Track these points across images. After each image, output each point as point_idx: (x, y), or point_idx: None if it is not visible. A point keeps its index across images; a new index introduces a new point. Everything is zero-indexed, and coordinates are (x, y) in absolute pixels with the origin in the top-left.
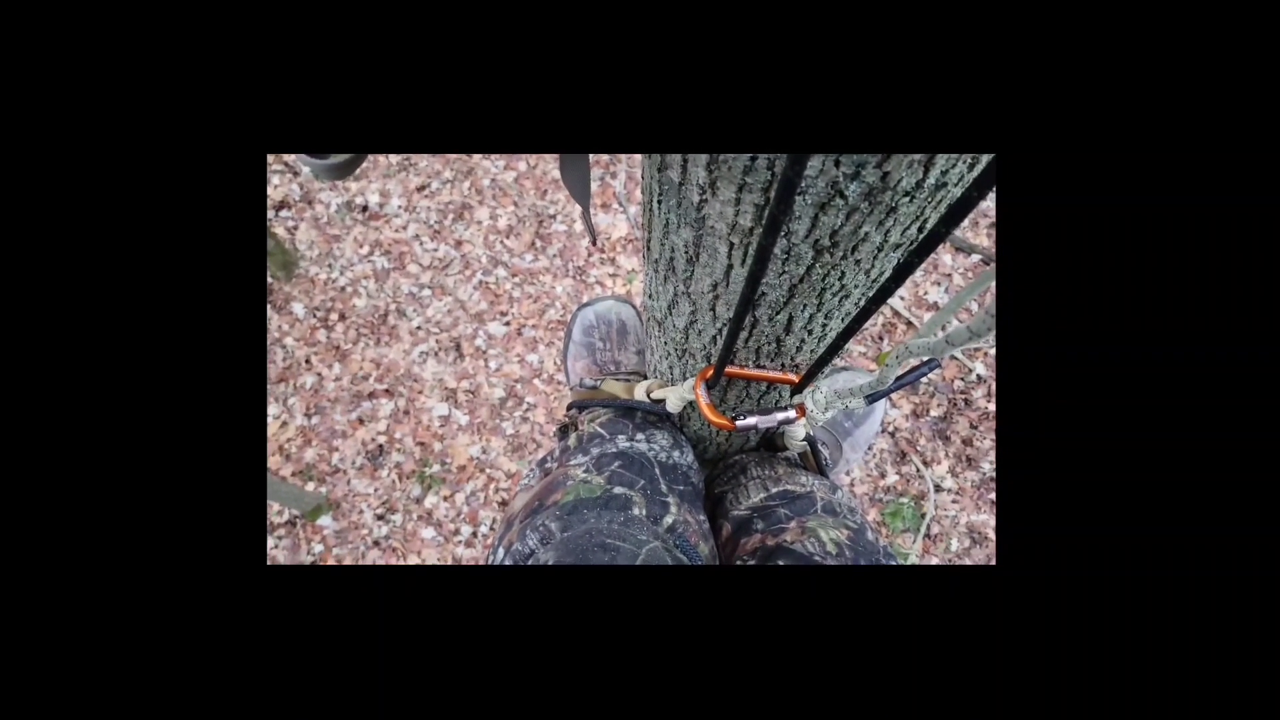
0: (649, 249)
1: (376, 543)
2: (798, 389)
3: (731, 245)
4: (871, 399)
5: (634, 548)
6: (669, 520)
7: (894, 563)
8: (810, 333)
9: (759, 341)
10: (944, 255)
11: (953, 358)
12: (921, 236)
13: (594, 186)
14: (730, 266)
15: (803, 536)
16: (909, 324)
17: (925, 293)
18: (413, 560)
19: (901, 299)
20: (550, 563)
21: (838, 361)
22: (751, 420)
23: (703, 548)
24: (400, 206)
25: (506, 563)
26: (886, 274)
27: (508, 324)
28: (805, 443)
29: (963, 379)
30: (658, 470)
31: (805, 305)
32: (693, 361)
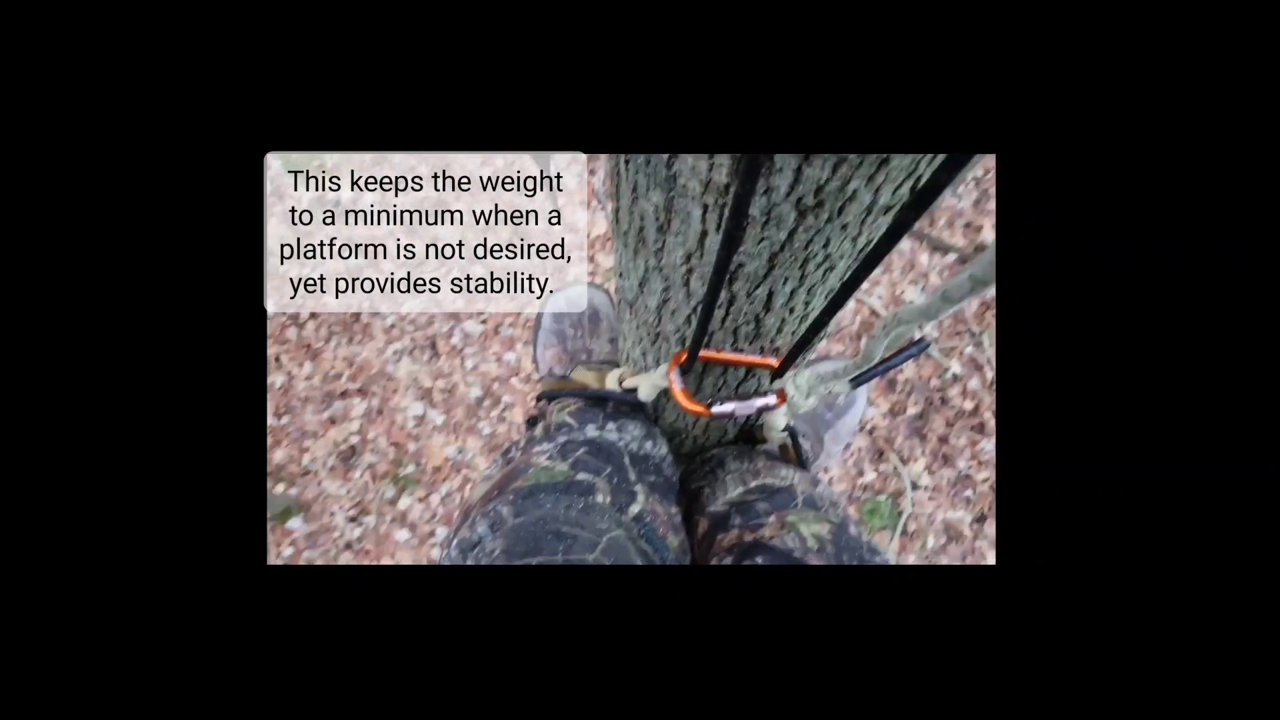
0: (617, 220)
1: (349, 545)
2: (778, 374)
3: (705, 208)
4: (857, 381)
5: (593, 536)
6: (635, 509)
7: (879, 559)
8: (791, 311)
9: (736, 320)
10: (921, 255)
11: (929, 356)
12: (911, 195)
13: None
14: (704, 233)
15: (782, 531)
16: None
17: (902, 292)
18: (385, 563)
19: (879, 298)
20: (497, 551)
21: (818, 351)
22: (729, 406)
23: (672, 540)
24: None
25: (454, 554)
26: (874, 241)
27: (484, 322)
28: (786, 433)
29: (939, 378)
30: (627, 459)
31: (787, 278)
32: (666, 346)
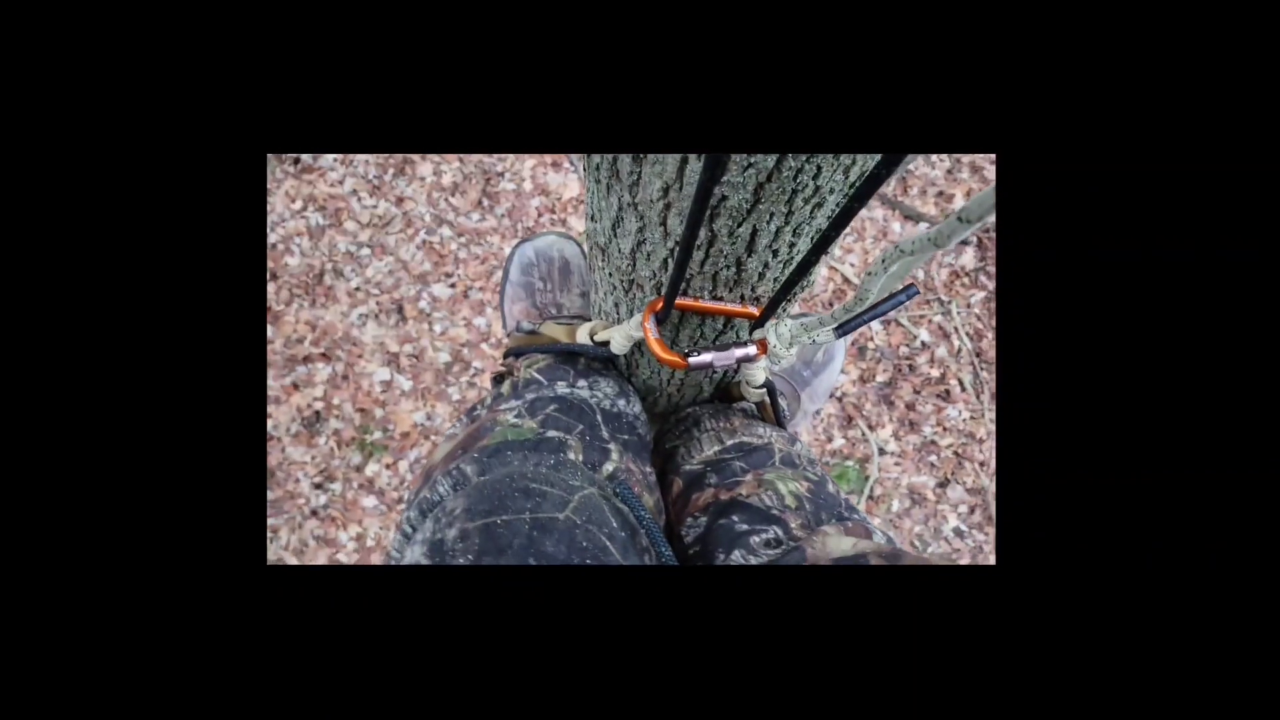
0: (589, 154)
1: (314, 512)
2: (759, 322)
3: None
4: (842, 329)
5: (563, 494)
6: (609, 467)
7: (855, 517)
8: (775, 254)
9: (716, 264)
10: (893, 223)
11: (898, 324)
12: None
13: None
14: (685, 159)
15: (759, 489)
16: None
17: (870, 258)
18: (353, 529)
19: (852, 266)
20: (458, 510)
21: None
22: (707, 357)
23: (647, 499)
24: (336, 160)
25: (413, 514)
26: (866, 173)
27: (453, 286)
28: (764, 389)
29: (907, 345)
30: (599, 417)
31: (773, 215)
32: (641, 294)
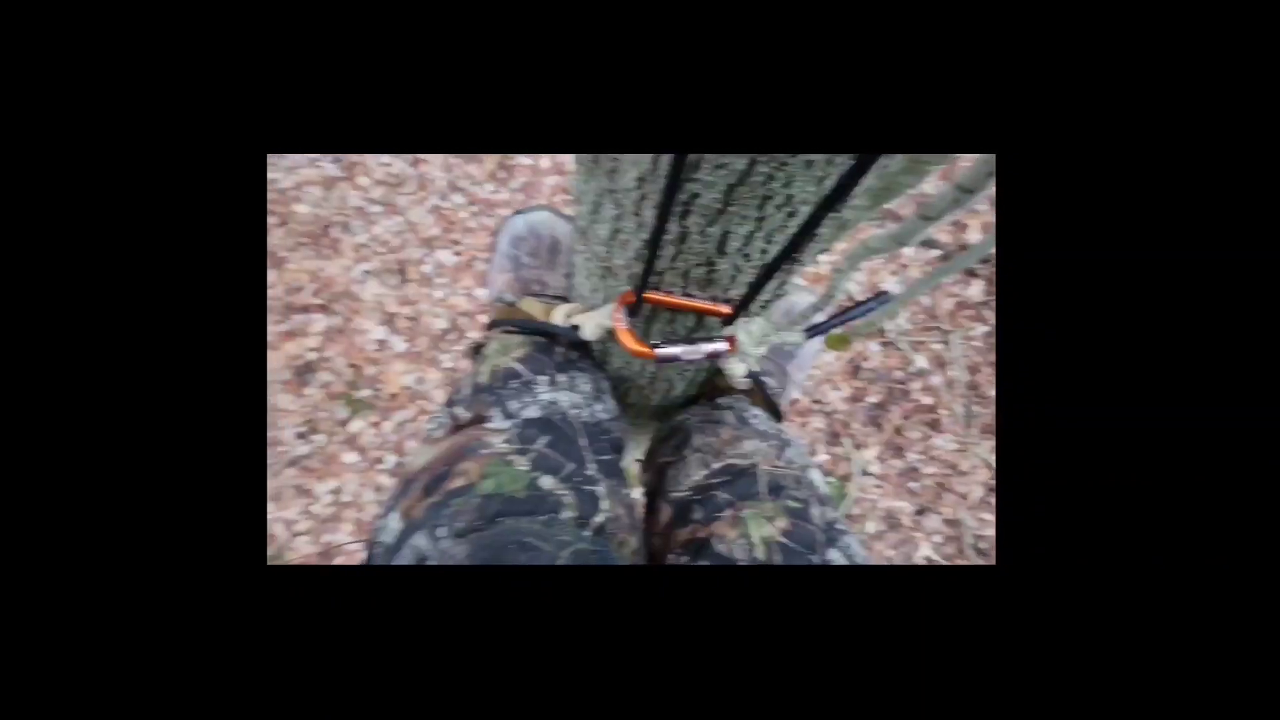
0: None
1: (294, 461)
2: (729, 321)
3: None
4: (812, 332)
5: (554, 550)
6: (599, 519)
7: (831, 552)
8: (748, 258)
9: (688, 261)
10: (905, 248)
11: (896, 348)
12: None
13: None
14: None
15: (734, 532)
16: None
17: (881, 281)
18: (331, 483)
19: (857, 285)
20: (461, 558)
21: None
22: (674, 350)
23: (630, 543)
24: None
25: (392, 522)
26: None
27: (459, 254)
28: (749, 379)
29: (903, 369)
30: (584, 439)
31: (744, 218)
32: (615, 283)
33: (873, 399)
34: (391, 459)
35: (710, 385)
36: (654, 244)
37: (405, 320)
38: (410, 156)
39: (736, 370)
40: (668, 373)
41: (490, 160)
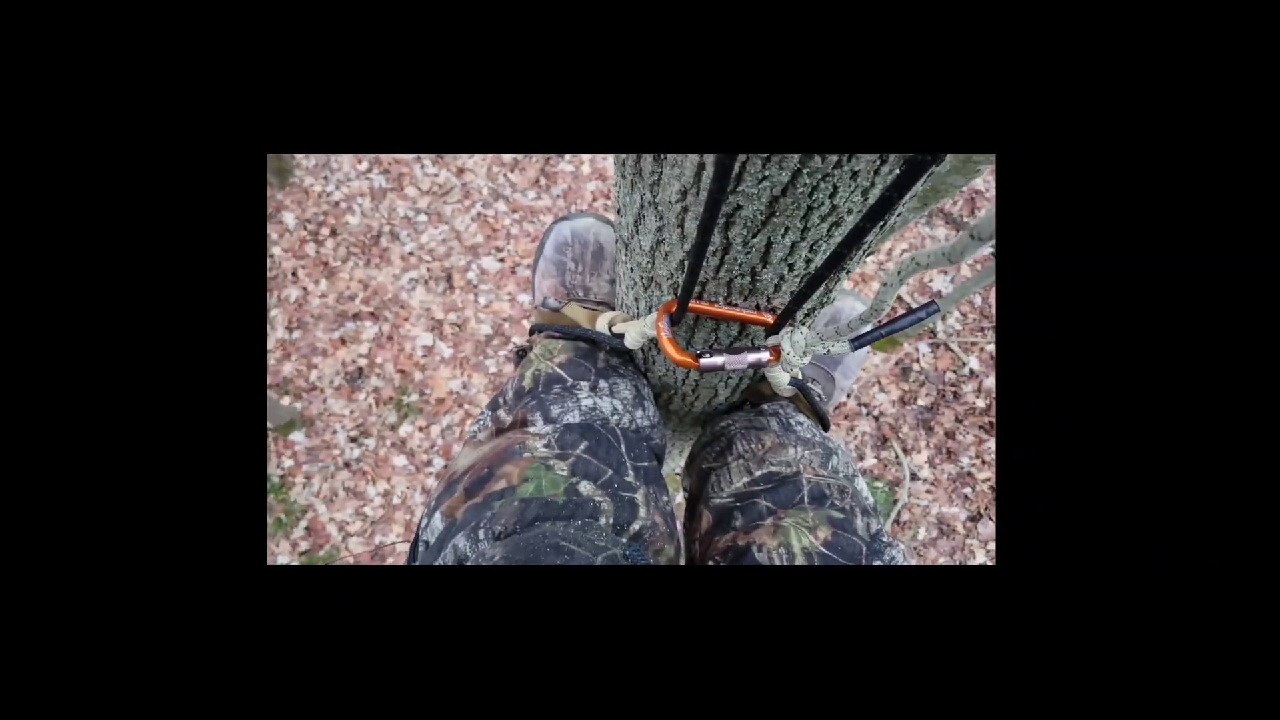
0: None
1: (347, 464)
2: (772, 330)
3: None
4: (858, 343)
5: (590, 554)
6: (636, 526)
7: (877, 562)
8: (791, 268)
9: (731, 272)
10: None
11: (947, 348)
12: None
13: None
14: (701, 165)
15: (774, 540)
16: (909, 309)
17: (930, 280)
18: (381, 485)
19: (907, 286)
20: (497, 558)
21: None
22: (718, 360)
23: (667, 550)
24: None
25: (435, 522)
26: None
27: (502, 260)
28: (794, 387)
29: (955, 371)
30: (623, 446)
31: (787, 229)
32: (659, 293)
33: (923, 402)
34: (439, 462)
35: (755, 391)
36: (697, 256)
37: (451, 326)
38: (454, 166)
39: (781, 379)
40: (711, 380)
41: (532, 168)
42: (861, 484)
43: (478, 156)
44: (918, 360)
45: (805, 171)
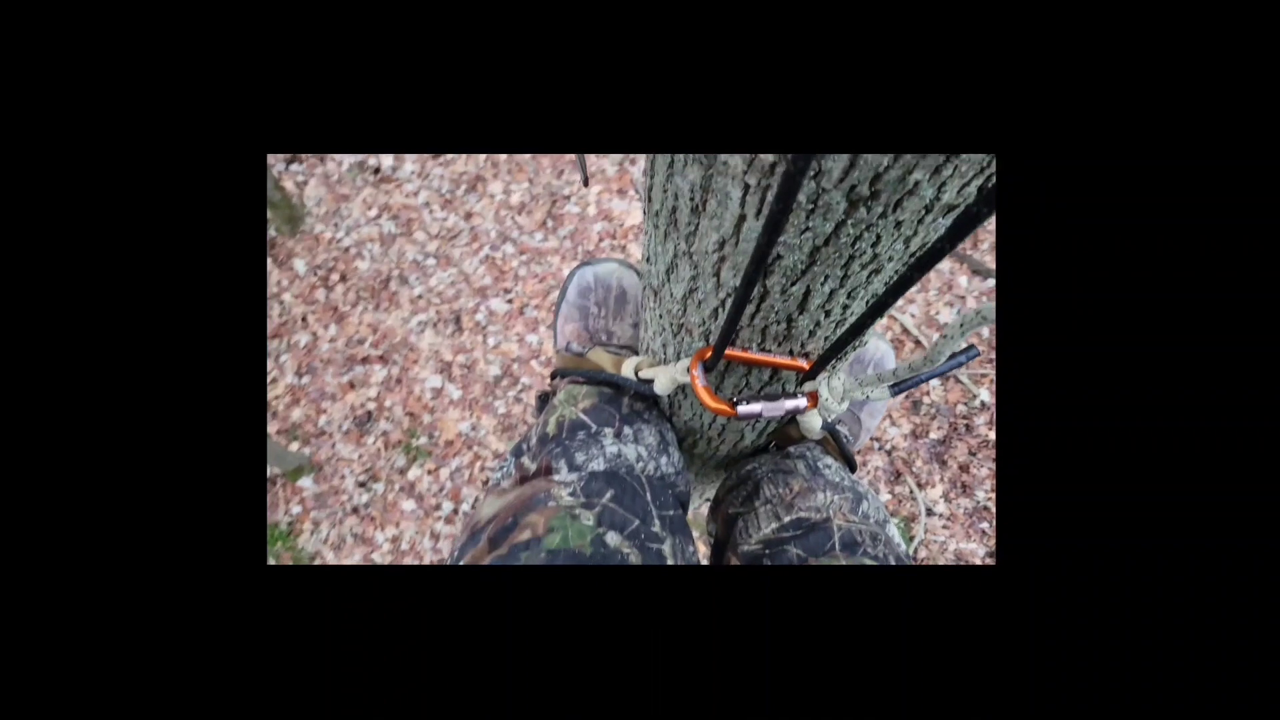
0: (649, 199)
1: (355, 510)
2: (808, 376)
3: (747, 188)
4: (899, 388)
5: None
6: None
7: None
8: (828, 314)
9: (767, 319)
10: (960, 276)
11: (957, 380)
12: (980, 195)
13: (611, 171)
14: (742, 217)
15: None
16: (917, 342)
17: (936, 312)
18: (390, 531)
19: (911, 316)
20: None
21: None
22: (756, 407)
23: None
24: (413, 172)
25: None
26: (928, 246)
27: (510, 301)
28: (824, 431)
29: (965, 404)
30: (649, 494)
31: (827, 277)
32: (689, 339)
33: (935, 435)
34: (448, 505)
35: (782, 434)
36: (739, 305)
37: (460, 368)
38: (463, 210)
39: (814, 422)
40: (739, 424)
41: (539, 209)
42: (893, 530)
43: (485, 200)
44: (928, 393)
45: (850, 222)
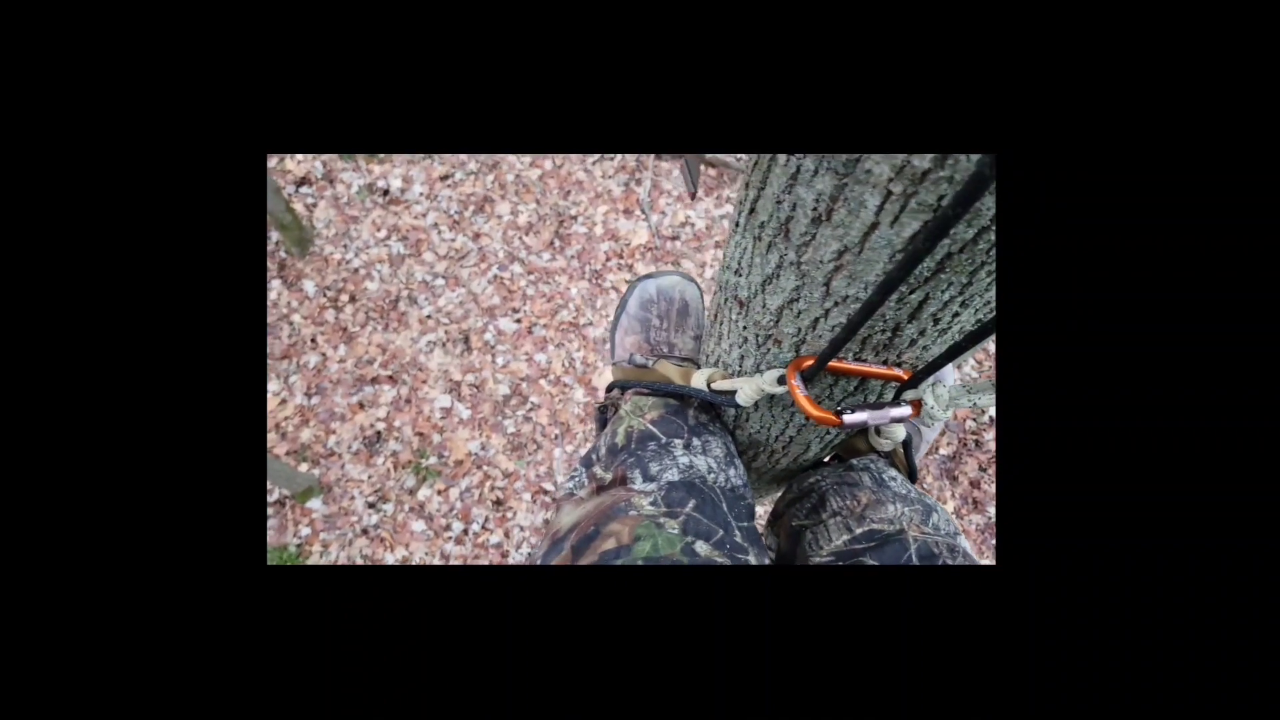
0: (753, 211)
1: (365, 531)
2: (909, 385)
3: (888, 196)
4: None
5: None
6: None
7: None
8: (936, 322)
9: (873, 328)
10: None
11: None
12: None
13: (618, 191)
14: (874, 225)
15: None
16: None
17: None
18: (400, 552)
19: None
20: None
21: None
22: (861, 416)
23: None
24: (422, 194)
25: None
26: None
27: (519, 321)
28: (899, 442)
29: (975, 419)
30: (725, 504)
31: (949, 284)
32: (776, 350)
33: (945, 451)
34: (458, 525)
35: (848, 446)
36: (865, 314)
37: (469, 388)
38: (471, 231)
39: (898, 434)
40: (806, 436)
41: (546, 230)
42: (965, 542)
43: (493, 221)
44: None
45: (994, 229)
